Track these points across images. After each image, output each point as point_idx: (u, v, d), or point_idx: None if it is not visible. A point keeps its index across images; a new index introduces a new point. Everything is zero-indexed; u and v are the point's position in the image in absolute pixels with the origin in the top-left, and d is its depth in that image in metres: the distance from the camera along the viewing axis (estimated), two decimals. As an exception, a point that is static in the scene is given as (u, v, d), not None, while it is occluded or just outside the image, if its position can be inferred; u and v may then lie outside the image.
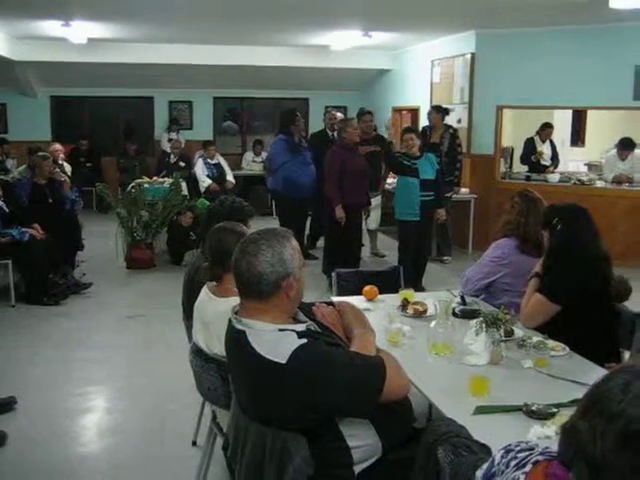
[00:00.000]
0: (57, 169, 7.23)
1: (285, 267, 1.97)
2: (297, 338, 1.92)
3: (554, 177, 8.16)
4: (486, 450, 1.70)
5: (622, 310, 3.19)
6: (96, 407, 4.09)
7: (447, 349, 2.72)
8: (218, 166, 9.88)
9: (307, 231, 8.03)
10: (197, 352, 2.67)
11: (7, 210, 6.09)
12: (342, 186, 6.23)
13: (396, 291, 3.62)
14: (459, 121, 8.47)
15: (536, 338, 2.76)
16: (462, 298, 3.39)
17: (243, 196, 7.46)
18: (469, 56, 8.32)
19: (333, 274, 4.01)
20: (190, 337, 2.94)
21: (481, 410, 2.19)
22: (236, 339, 2.00)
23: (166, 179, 8.46)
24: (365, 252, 7.63)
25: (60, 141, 9.74)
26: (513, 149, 9.29)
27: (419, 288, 5.85)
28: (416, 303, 3.31)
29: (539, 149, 8.85)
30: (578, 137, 11.06)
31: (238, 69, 10.58)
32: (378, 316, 3.10)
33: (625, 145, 8.10)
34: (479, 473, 1.38)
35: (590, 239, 3.08)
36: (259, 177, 10.87)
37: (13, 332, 5.34)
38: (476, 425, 1.98)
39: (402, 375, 2.07)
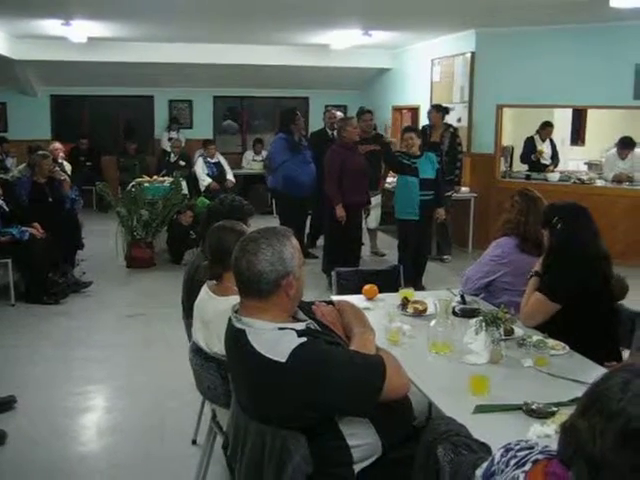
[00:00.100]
0: (57, 168, 7.23)
1: (285, 266, 1.97)
2: (297, 337, 1.92)
3: (554, 176, 8.16)
4: (486, 449, 1.70)
5: (622, 309, 3.20)
6: (96, 406, 4.09)
7: (447, 348, 2.72)
8: (218, 165, 9.88)
9: (307, 230, 8.03)
10: (197, 351, 2.67)
11: (7, 209, 6.09)
12: (342, 185, 6.23)
13: (396, 290, 3.61)
14: (459, 120, 8.46)
15: (536, 337, 2.76)
16: (462, 297, 3.39)
17: (243, 195, 7.44)
18: (469, 55, 8.32)
19: (333, 273, 4.01)
20: (190, 336, 2.94)
21: (481, 409, 2.19)
22: (236, 338, 2.00)
23: (166, 178, 8.47)
24: (365, 251, 7.62)
25: (60, 140, 9.74)
26: (513, 148, 9.28)
27: (419, 287, 5.85)
28: (416, 302, 3.31)
29: (539, 148, 8.85)
30: (578, 136, 11.06)
31: (238, 68, 10.57)
32: (378, 315, 3.10)
33: (625, 144, 8.09)
34: (479, 472, 1.38)
35: (590, 238, 3.08)
36: (259, 176, 10.87)
37: (13, 331, 5.34)
38: (476, 424, 1.98)
39: (402, 374, 2.07)
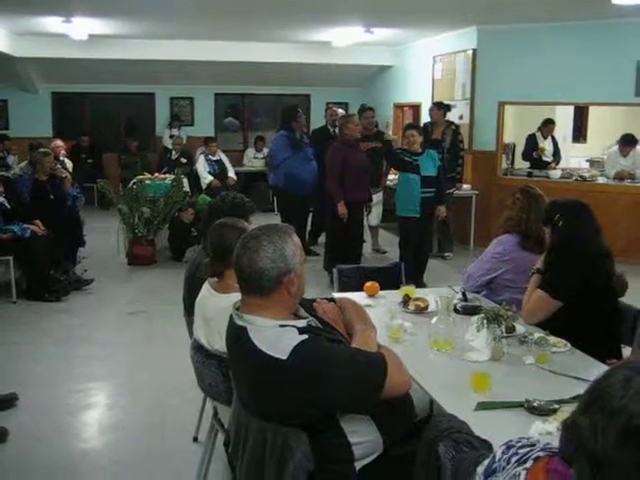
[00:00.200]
0: (58, 165, 7.22)
1: (286, 263, 1.96)
2: (298, 334, 1.92)
3: (556, 173, 8.15)
4: (487, 446, 1.70)
5: (624, 306, 3.19)
6: (97, 403, 4.10)
7: (448, 345, 2.72)
8: (219, 162, 9.88)
9: (308, 227, 8.03)
10: (198, 348, 2.67)
11: (8, 206, 6.09)
12: (344, 182, 6.22)
13: (397, 287, 3.60)
14: (461, 117, 8.45)
15: (537, 334, 2.76)
16: (463, 294, 3.39)
17: (244, 192, 7.38)
18: (470, 52, 8.31)
19: (334, 270, 4.01)
20: (191, 333, 2.94)
21: (482, 406, 2.19)
22: (237, 335, 2.00)
23: (167, 175, 8.46)
24: (366, 248, 7.62)
25: (61, 137, 9.74)
26: (515, 145, 9.27)
27: (420, 284, 5.84)
28: (417, 299, 3.31)
29: (541, 145, 8.84)
30: (580, 133, 11.03)
31: (239, 65, 10.56)
32: (379, 312, 3.10)
33: (627, 141, 8.08)
34: (480, 469, 1.38)
35: (592, 235, 3.08)
36: (260, 173, 10.86)
37: (14, 328, 5.35)
38: (477, 421, 1.98)
39: (403, 371, 2.07)
